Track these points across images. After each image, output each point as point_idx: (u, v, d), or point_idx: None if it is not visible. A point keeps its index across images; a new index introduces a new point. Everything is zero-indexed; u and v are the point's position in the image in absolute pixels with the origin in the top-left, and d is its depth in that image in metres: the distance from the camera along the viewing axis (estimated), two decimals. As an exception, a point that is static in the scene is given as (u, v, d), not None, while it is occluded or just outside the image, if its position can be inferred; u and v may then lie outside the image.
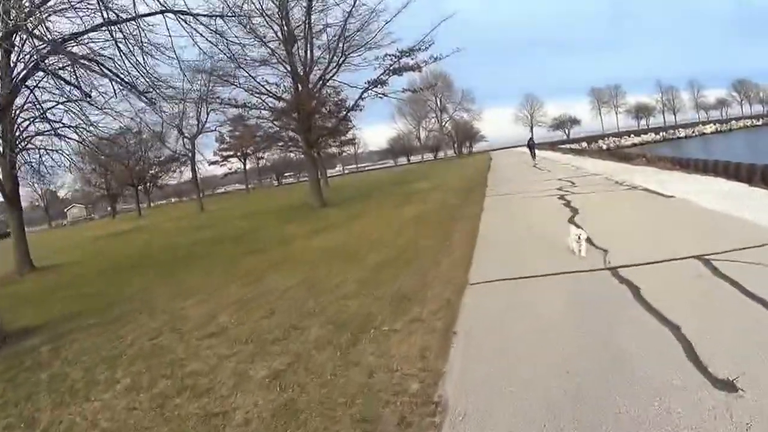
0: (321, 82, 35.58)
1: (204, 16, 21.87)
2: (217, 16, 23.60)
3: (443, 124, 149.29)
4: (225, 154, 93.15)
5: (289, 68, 34.37)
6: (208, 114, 64.75)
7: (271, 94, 34.96)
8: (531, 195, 24.86)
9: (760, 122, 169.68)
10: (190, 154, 72.72)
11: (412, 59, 34.40)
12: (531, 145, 63.54)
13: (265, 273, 15.08)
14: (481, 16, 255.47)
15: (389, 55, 34.34)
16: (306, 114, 34.47)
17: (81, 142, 27.44)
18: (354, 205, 33.63)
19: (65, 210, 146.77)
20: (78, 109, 24.61)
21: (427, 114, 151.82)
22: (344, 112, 39.83)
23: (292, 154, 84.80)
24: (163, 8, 20.51)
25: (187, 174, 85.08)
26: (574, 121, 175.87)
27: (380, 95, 35.33)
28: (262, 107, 36.53)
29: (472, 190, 31.99)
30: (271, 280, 13.97)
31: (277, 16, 33.54)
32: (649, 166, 33.72)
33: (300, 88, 34.66)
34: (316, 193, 36.34)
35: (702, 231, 12.22)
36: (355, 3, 33.77)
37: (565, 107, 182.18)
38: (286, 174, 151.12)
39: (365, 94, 35.41)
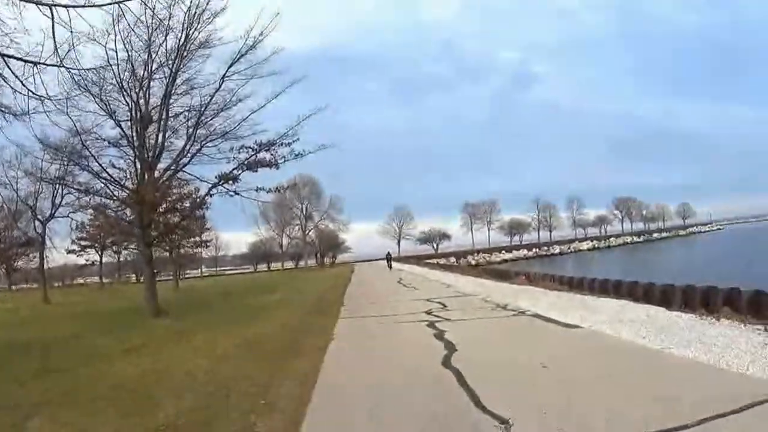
0: (169, 171, 31.46)
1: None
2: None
3: (307, 232, 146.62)
4: (83, 243, 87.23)
5: (137, 153, 30.13)
6: (62, 197, 57.92)
7: (114, 181, 30.53)
8: (393, 319, 21.27)
9: (641, 239, 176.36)
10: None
11: (271, 154, 30.72)
12: (388, 258, 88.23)
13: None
14: (356, 122, 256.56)
15: (246, 148, 30.68)
16: (147, 207, 29.87)
17: None
18: (190, 317, 29.04)
19: None
20: None
21: (292, 221, 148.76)
22: (189, 209, 35.72)
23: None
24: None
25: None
26: (444, 236, 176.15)
27: (231, 193, 31.22)
28: (105, 195, 31.79)
29: (326, 308, 28.44)
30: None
31: (134, 91, 29.82)
32: (533, 285, 31.15)
33: (146, 177, 30.23)
34: (150, 299, 30.95)
35: (653, 384, 9.11)
36: (220, 86, 30.47)
37: (436, 221, 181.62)
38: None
39: (214, 190, 31.42)
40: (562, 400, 8.48)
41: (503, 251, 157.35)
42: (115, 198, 31.71)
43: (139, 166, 30.34)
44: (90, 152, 29.24)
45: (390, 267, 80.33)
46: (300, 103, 31.81)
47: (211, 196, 32.04)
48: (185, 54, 30.09)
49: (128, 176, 31.08)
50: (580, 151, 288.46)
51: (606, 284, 26.78)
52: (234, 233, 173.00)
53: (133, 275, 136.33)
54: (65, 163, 33.51)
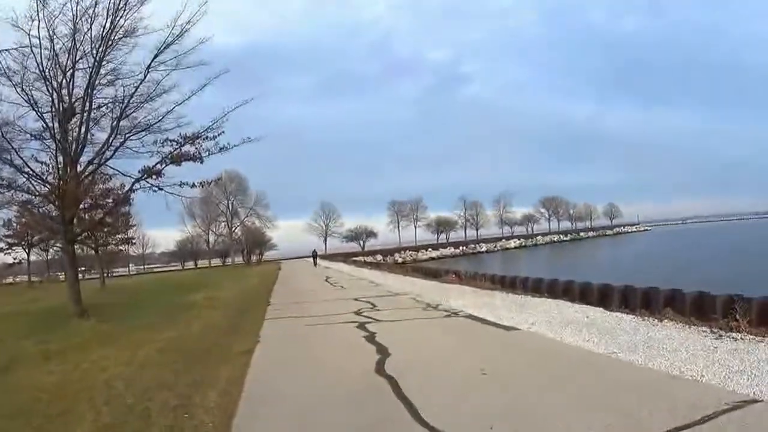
0: (92, 166, 30.13)
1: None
2: None
3: (233, 229, 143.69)
4: (10, 241, 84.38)
5: (59, 146, 28.72)
6: None
7: (36, 175, 29.06)
8: (322, 320, 20.43)
9: (568, 237, 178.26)
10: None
11: (195, 147, 29.75)
12: (314, 255, 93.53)
13: None
14: (282, 118, 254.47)
15: (170, 141, 29.61)
16: (69, 202, 28.59)
17: None
18: (115, 317, 27.71)
19: None
20: None
21: (218, 218, 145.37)
22: (113, 204, 34.53)
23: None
24: None
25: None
26: (371, 234, 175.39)
27: (155, 188, 30.02)
28: (27, 190, 30.22)
29: (251, 308, 27.66)
30: None
31: (56, 81, 28.35)
32: (464, 284, 30.60)
33: (69, 171, 28.89)
34: (74, 299, 29.44)
35: (605, 393, 8.63)
36: (145, 77, 29.29)
37: (363, 219, 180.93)
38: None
39: (138, 185, 30.16)
40: (509, 411, 7.90)
41: (430, 249, 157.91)
42: (37, 194, 30.27)
43: (61, 159, 28.99)
44: (11, 145, 27.77)
45: (315, 264, 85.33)
46: (226, 99, 31.24)
47: (134, 191, 30.93)
48: (110, 43, 28.88)
49: (50, 170, 29.62)
50: (508, 150, 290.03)
51: (540, 283, 26.47)
52: (161, 230, 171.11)
53: (62, 274, 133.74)
54: None
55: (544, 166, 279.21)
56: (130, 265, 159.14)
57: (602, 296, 21.60)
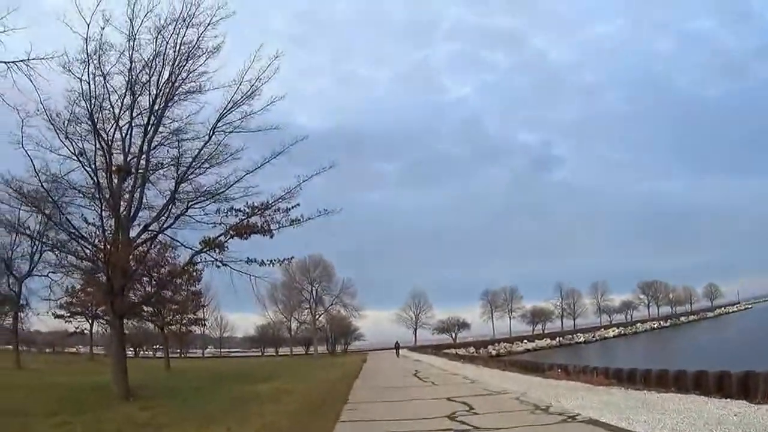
0: (147, 233, 27.67)
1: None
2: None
3: (317, 316, 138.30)
4: (72, 309, 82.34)
5: (110, 206, 26.39)
6: (41, 253, 52.94)
7: (81, 236, 26.86)
8: (406, 427, 16.51)
9: (668, 323, 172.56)
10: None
11: (264, 219, 27.16)
12: (396, 347, 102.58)
13: None
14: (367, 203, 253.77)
15: (235, 210, 27.04)
16: (117, 270, 25.78)
17: None
18: (163, 404, 24.61)
19: None
20: None
21: (301, 304, 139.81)
22: (168, 278, 31.79)
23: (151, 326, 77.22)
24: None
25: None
26: (463, 325, 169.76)
27: (218, 263, 27.51)
28: (75, 253, 28.15)
29: (324, 405, 23.77)
30: None
31: (108, 135, 26.45)
32: (573, 379, 27.29)
33: (120, 235, 26.31)
34: (119, 381, 26.68)
35: None
36: (210, 138, 26.97)
37: (455, 310, 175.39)
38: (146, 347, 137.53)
39: (197, 258, 27.84)
40: None
41: (525, 341, 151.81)
42: (84, 257, 28.00)
43: (112, 222, 26.56)
44: (52, 198, 25.80)
45: (398, 355, 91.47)
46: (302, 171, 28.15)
47: (194, 264, 28.93)
48: (172, 97, 26.93)
49: (98, 233, 27.19)
50: (602, 234, 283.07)
51: (665, 375, 22.34)
52: (243, 314, 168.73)
53: (132, 350, 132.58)
54: (31, 211, 29.51)
55: (640, 249, 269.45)
56: (209, 347, 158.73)
57: (743, 386, 17.63)
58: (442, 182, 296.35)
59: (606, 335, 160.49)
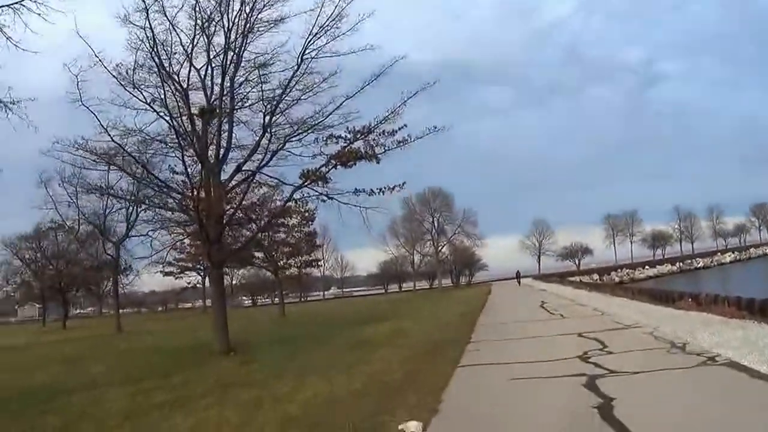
0: (239, 173, 26.15)
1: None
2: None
3: (440, 248, 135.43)
4: (182, 265, 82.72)
5: (195, 153, 24.98)
6: (137, 214, 52.97)
7: (168, 188, 25.87)
8: (534, 369, 14.98)
9: None
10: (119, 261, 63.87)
11: (370, 144, 25.20)
12: (518, 276, 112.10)
13: None
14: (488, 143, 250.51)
15: (335, 138, 25.07)
16: (211, 217, 24.59)
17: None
18: (266, 356, 23.50)
19: (15, 307, 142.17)
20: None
21: (423, 236, 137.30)
22: (268, 219, 30.34)
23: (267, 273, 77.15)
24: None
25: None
26: (586, 251, 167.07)
27: (323, 197, 25.85)
28: (164, 205, 27.84)
29: (444, 346, 21.87)
30: None
31: (188, 75, 25.05)
32: (705, 311, 25.01)
33: (212, 182, 25.01)
34: (219, 334, 25.62)
35: None
36: (298, 67, 24.97)
37: (577, 235, 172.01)
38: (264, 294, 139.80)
39: (298, 194, 26.27)
40: None
41: (646, 266, 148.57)
42: (176, 210, 27.58)
43: (200, 168, 25.24)
44: (130, 155, 24.88)
45: (519, 284, 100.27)
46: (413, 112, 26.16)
47: (296, 201, 27.49)
48: (251, 30, 25.30)
49: (186, 182, 26.01)
50: (716, 155, 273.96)
51: None
52: (363, 250, 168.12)
53: (250, 298, 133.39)
54: (108, 169, 28.25)
55: (752, 170, 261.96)
56: (332, 288, 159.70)
57: None
58: (551, 107, 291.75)
59: (722, 260, 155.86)
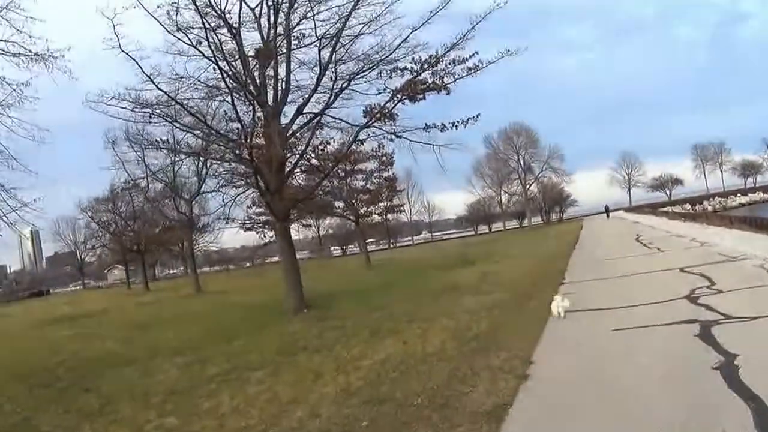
0: (300, 116, 24.44)
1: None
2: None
3: (527, 187, 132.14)
4: (262, 219, 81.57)
5: (250, 98, 23.36)
6: (207, 169, 49.96)
7: (220, 136, 24.38)
8: (637, 316, 13.18)
9: None
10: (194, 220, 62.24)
11: (439, 75, 22.95)
12: (606, 210, 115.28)
13: None
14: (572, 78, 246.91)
15: (400, 70, 23.03)
16: (276, 166, 23.08)
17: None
18: (338, 317, 21.26)
19: (105, 271, 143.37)
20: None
21: (509, 175, 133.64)
22: (333, 163, 28.84)
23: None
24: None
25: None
26: (677, 181, 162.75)
27: (390, 135, 24.12)
28: (221, 157, 26.56)
29: (534, 291, 19.93)
30: None
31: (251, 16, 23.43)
32: None
33: (272, 126, 23.22)
34: (291, 291, 24.18)
35: None
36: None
37: (665, 166, 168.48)
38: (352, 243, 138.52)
39: (363, 134, 24.54)
40: None
41: (738, 194, 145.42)
42: (235, 161, 26.04)
43: (255, 114, 23.77)
44: (179, 103, 22.97)
45: (608, 217, 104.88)
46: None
47: (361, 142, 26.01)
48: None
49: (243, 130, 24.31)
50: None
51: None
52: (451, 194, 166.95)
53: (339, 249, 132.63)
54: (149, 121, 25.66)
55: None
56: (423, 232, 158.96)
57: None
58: (633, 44, 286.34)
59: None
